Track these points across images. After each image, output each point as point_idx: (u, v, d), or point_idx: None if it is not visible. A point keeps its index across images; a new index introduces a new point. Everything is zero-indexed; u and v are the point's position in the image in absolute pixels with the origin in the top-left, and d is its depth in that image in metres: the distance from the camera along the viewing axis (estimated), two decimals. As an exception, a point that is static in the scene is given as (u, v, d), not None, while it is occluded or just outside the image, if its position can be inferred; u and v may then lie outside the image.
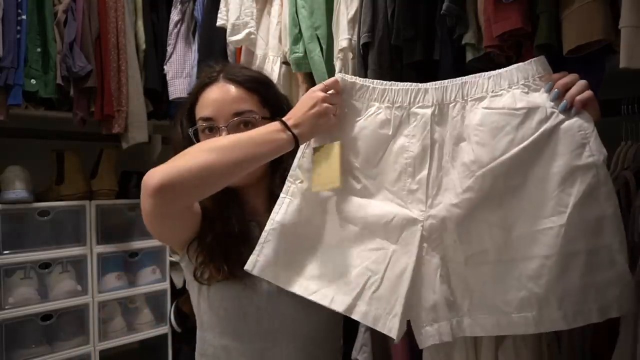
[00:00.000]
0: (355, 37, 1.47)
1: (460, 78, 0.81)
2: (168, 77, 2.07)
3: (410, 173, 0.82)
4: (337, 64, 1.52)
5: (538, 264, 0.69)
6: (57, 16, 1.87)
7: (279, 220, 0.89)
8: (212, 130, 0.96)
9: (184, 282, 2.22)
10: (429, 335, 0.76)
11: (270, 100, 1.00)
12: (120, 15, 2.03)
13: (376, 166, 0.86)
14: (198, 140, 0.97)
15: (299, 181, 0.90)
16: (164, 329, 2.29)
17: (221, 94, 0.96)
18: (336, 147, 0.88)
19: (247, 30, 1.72)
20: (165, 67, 2.09)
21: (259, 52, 1.72)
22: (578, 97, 0.73)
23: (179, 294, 2.29)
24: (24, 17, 1.78)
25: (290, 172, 0.92)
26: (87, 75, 1.88)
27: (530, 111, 0.72)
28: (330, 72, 1.56)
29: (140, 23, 2.14)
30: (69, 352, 1.95)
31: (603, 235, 0.68)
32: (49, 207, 1.97)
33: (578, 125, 0.71)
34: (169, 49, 2.08)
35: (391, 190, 0.83)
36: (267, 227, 0.90)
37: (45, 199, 2.00)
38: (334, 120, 0.89)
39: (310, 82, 1.65)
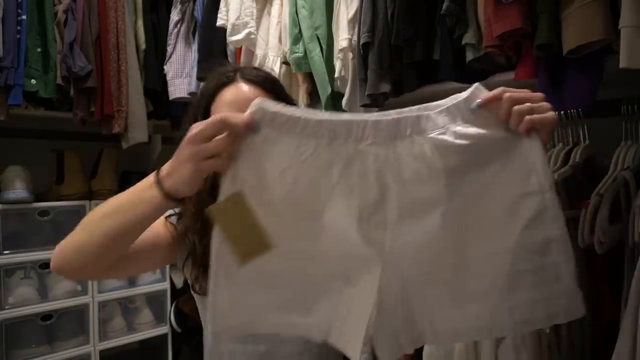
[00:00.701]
0: (355, 37, 1.47)
1: (412, 110, 0.75)
2: (168, 77, 2.07)
3: (370, 213, 0.73)
4: (337, 64, 1.52)
5: (490, 282, 0.72)
6: (57, 16, 1.87)
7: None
8: None
9: (184, 282, 2.22)
10: (392, 350, 0.76)
11: (285, 102, 0.99)
12: (120, 15, 2.03)
13: (320, 216, 0.73)
14: None
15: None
16: (164, 329, 2.28)
17: (240, 94, 0.95)
18: (239, 198, 0.69)
19: (247, 30, 1.72)
20: (165, 67, 2.09)
21: (259, 52, 1.72)
22: (524, 126, 0.71)
23: (179, 294, 2.29)
24: (24, 17, 1.78)
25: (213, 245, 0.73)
26: (87, 75, 1.88)
27: (480, 143, 0.72)
28: (330, 72, 1.56)
29: (140, 23, 2.14)
30: (69, 352, 1.95)
31: (550, 254, 0.71)
32: (49, 207, 1.97)
33: (527, 152, 0.72)
34: (169, 49, 2.08)
35: (348, 229, 0.73)
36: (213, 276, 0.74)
37: (45, 199, 2.00)
38: (222, 162, 0.69)
39: (311, 82, 1.66)
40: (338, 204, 0.73)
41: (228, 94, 0.96)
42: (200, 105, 0.99)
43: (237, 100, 0.94)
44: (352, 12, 1.48)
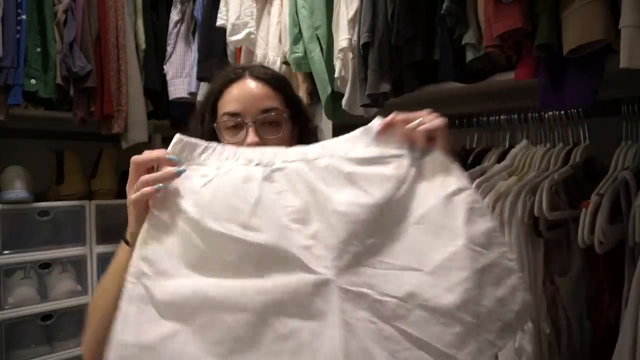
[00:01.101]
0: (355, 37, 1.47)
1: (317, 144, 0.79)
2: (168, 77, 2.07)
3: (298, 229, 0.71)
4: (337, 64, 1.52)
5: (460, 291, 0.70)
6: (57, 16, 1.87)
7: (123, 342, 0.68)
8: (237, 126, 0.93)
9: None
10: None
11: (292, 100, 0.99)
12: (120, 15, 2.03)
13: (250, 229, 0.71)
14: (221, 136, 0.95)
15: (145, 278, 0.70)
16: (164, 329, 2.28)
17: (248, 90, 0.94)
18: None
19: (247, 30, 1.72)
20: (165, 67, 2.08)
21: (259, 52, 1.72)
22: (420, 135, 0.75)
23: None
24: (24, 17, 1.77)
25: (130, 270, 0.72)
26: (87, 75, 1.88)
27: (391, 165, 0.76)
28: (330, 72, 1.56)
29: (140, 23, 2.14)
30: (69, 352, 1.95)
31: (493, 246, 0.72)
32: (49, 207, 1.97)
33: (434, 161, 0.76)
34: (169, 49, 2.07)
35: (282, 250, 0.70)
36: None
37: (45, 199, 2.00)
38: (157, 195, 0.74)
39: (311, 82, 1.65)
40: (263, 215, 0.72)
41: (235, 90, 0.95)
42: (208, 102, 0.99)
43: (244, 95, 0.94)
44: (352, 12, 1.48)
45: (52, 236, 1.96)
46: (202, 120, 0.99)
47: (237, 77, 0.96)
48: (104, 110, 1.96)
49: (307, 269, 0.69)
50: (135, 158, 0.78)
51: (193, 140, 0.78)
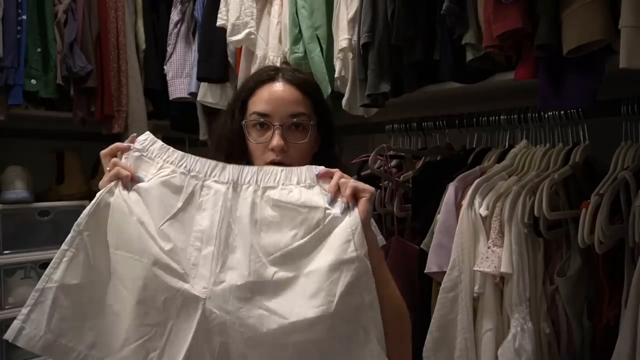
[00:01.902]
0: (355, 37, 1.47)
1: (258, 169, 0.85)
2: (168, 77, 2.07)
3: (197, 247, 0.80)
4: (337, 64, 1.52)
5: (309, 347, 0.77)
6: (57, 16, 1.87)
7: (57, 279, 0.79)
8: (264, 126, 0.95)
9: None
10: None
11: (321, 107, 1.01)
12: (120, 16, 2.03)
13: (164, 233, 0.81)
14: (248, 134, 0.97)
15: (86, 233, 0.82)
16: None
17: (280, 93, 0.96)
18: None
19: (247, 30, 1.72)
20: (165, 67, 2.09)
21: (259, 52, 1.72)
22: (349, 191, 0.81)
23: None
24: (24, 17, 1.78)
25: (78, 220, 0.84)
26: (87, 75, 1.88)
27: (311, 210, 0.80)
28: (330, 72, 1.56)
29: (140, 23, 2.14)
30: (69, 352, 1.95)
31: (361, 320, 0.78)
32: (49, 207, 1.97)
33: (347, 223, 0.80)
34: (169, 49, 2.07)
35: (175, 259, 0.79)
36: (40, 284, 0.80)
37: (45, 199, 2.00)
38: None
39: (310, 82, 1.65)
40: (177, 227, 0.81)
41: (265, 92, 0.97)
42: (239, 98, 1.01)
43: (274, 98, 0.96)
44: (352, 12, 1.48)
45: (52, 236, 1.96)
46: (232, 116, 1.01)
47: (269, 78, 0.98)
48: (104, 111, 1.96)
49: (186, 282, 0.78)
50: (101, 152, 0.87)
51: (154, 138, 0.87)
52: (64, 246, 0.81)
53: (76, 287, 0.80)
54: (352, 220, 0.80)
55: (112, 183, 0.83)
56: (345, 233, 0.79)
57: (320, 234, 0.80)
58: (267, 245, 0.80)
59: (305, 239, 0.80)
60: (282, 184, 0.82)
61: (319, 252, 0.79)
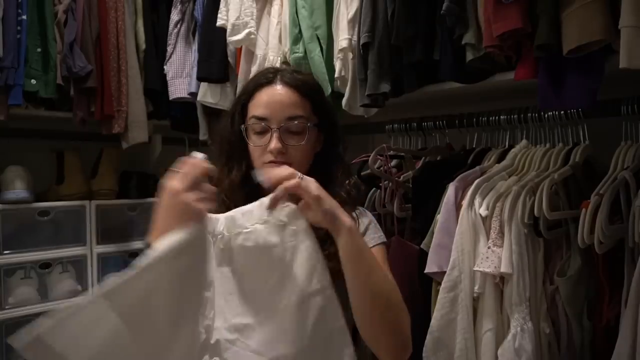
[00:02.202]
0: (355, 37, 1.47)
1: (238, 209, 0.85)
2: (168, 77, 2.07)
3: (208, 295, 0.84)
4: (337, 64, 1.52)
5: None
6: (57, 16, 1.87)
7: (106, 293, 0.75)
8: (263, 130, 0.96)
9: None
10: None
11: (321, 107, 1.01)
12: (120, 16, 2.03)
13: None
14: (247, 137, 0.99)
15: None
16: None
17: (277, 96, 0.97)
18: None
19: (247, 30, 1.72)
20: (165, 67, 2.08)
21: (259, 52, 1.72)
22: (281, 194, 0.81)
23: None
24: (24, 17, 1.78)
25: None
26: (87, 75, 1.88)
27: (273, 247, 0.82)
28: (331, 72, 1.56)
29: (140, 23, 2.14)
30: (69, 352, 1.95)
31: (333, 345, 0.82)
32: (49, 207, 1.97)
33: (307, 256, 0.82)
34: (169, 49, 2.07)
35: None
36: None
37: (45, 199, 2.00)
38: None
39: (310, 82, 1.65)
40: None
41: (264, 95, 0.98)
42: (239, 101, 1.02)
43: (271, 101, 0.97)
44: (352, 12, 1.48)
45: (52, 236, 1.96)
46: (232, 119, 1.02)
47: (267, 81, 0.98)
48: (104, 110, 1.96)
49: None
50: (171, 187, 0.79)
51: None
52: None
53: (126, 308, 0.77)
54: (312, 252, 0.82)
55: None
56: (306, 265, 0.82)
57: (285, 269, 0.82)
58: (242, 289, 0.83)
59: (274, 278, 0.82)
60: (245, 228, 0.83)
61: (287, 287, 0.82)
